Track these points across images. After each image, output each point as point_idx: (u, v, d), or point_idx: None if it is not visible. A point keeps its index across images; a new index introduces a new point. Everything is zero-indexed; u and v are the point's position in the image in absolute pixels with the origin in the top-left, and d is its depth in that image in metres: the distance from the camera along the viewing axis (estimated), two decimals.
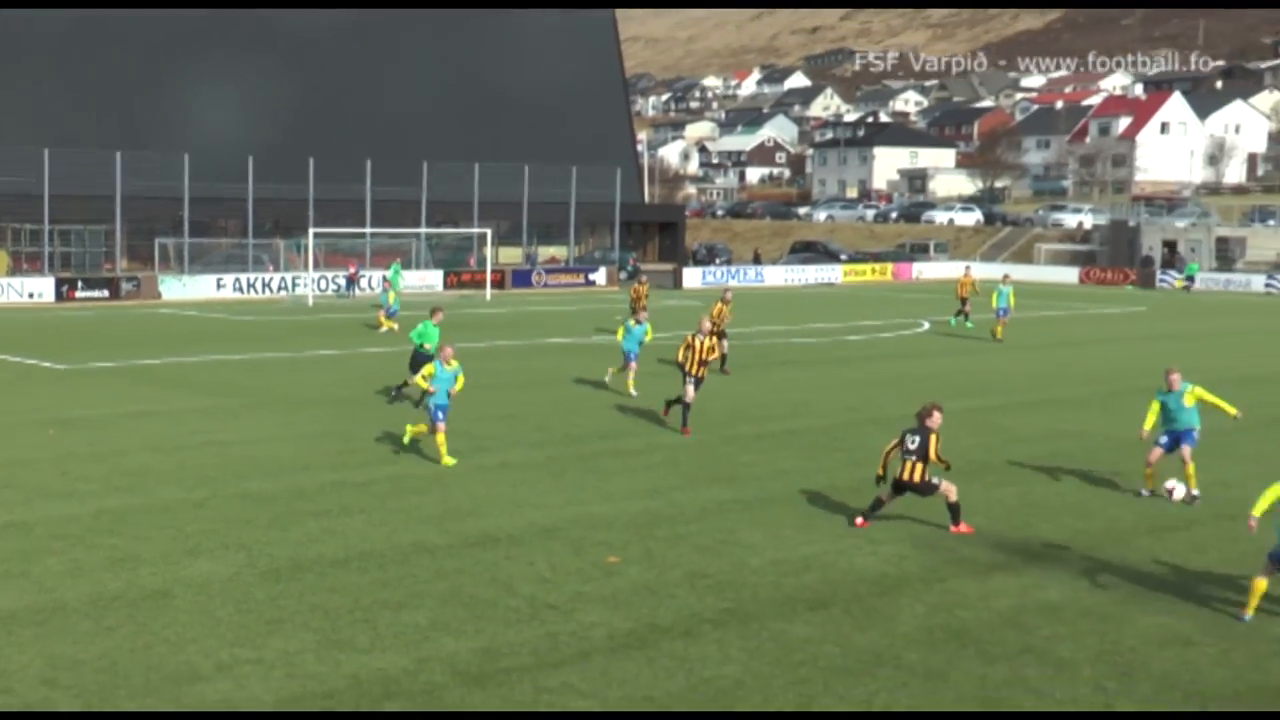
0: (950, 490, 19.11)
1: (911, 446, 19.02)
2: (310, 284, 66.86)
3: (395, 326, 47.67)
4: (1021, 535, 19.00)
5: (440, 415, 23.42)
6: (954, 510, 19.17)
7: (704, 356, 27.28)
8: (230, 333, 49.03)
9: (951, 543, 18.45)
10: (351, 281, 69.24)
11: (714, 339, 27.35)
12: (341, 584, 16.09)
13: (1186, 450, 21.06)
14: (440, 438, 23.41)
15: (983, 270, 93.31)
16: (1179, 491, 19.98)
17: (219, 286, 67.59)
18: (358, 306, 62.00)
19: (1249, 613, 15.45)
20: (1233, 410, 21.94)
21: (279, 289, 69.13)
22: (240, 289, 68.14)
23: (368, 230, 75.48)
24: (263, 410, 29.74)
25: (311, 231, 67.84)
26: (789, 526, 19.22)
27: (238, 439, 25.80)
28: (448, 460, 23.21)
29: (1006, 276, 50.90)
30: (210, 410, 29.55)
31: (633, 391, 31.74)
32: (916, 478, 18.95)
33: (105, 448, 24.60)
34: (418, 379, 24.22)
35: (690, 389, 27.05)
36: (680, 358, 27.61)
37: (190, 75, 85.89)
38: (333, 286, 69.71)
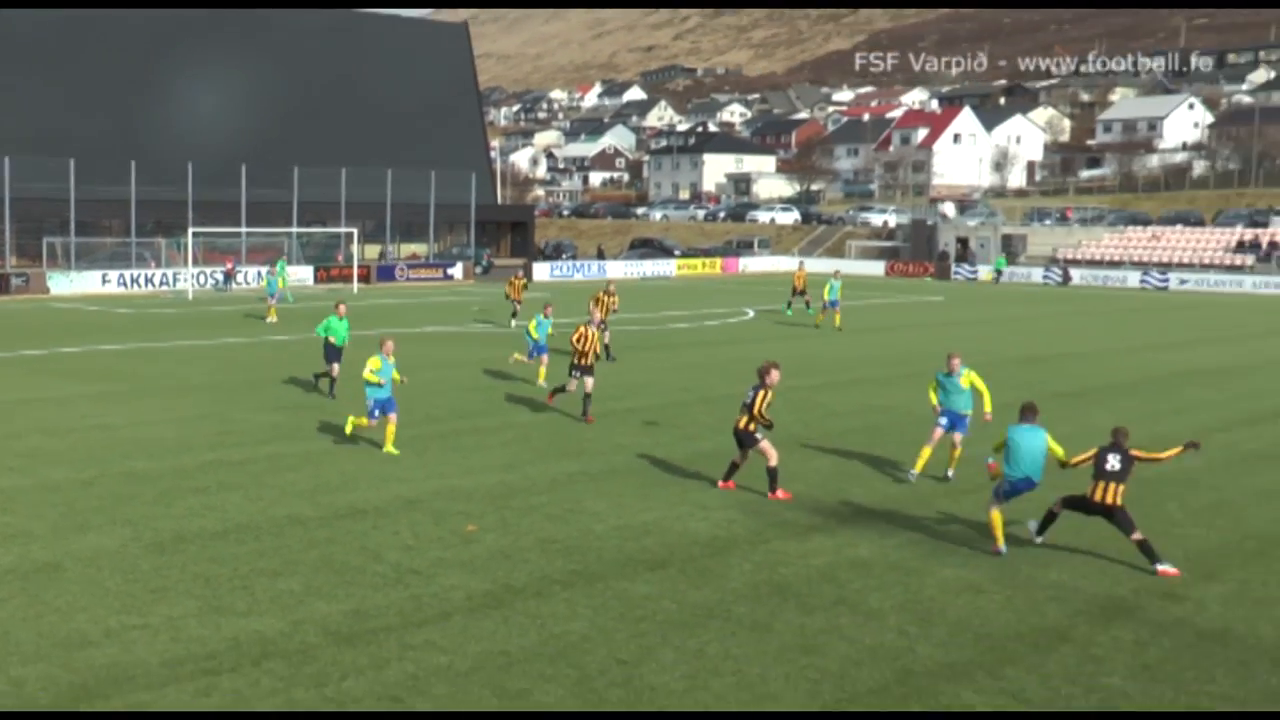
0: (770, 454, 19.23)
1: (746, 400, 19.31)
2: (190, 279, 65.57)
3: (275, 319, 47.34)
4: (836, 500, 19.26)
5: (388, 408, 22.22)
6: (772, 476, 19.26)
7: (594, 347, 26.45)
8: (116, 325, 47.87)
9: (774, 508, 18.64)
10: (229, 277, 68.02)
11: (596, 330, 26.81)
12: (221, 554, 15.82)
13: (958, 436, 21.24)
14: (390, 428, 22.27)
15: (803, 264, 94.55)
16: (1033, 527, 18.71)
17: (104, 282, 65.92)
18: (234, 300, 60.95)
19: (1000, 545, 16.35)
20: (989, 408, 22.05)
21: (161, 284, 67.64)
22: (125, 284, 66.52)
23: (243, 230, 74.24)
24: (147, 396, 29.09)
25: (191, 231, 66.53)
26: (630, 496, 19.28)
27: (124, 422, 25.22)
28: (391, 449, 22.09)
29: (837, 272, 51.46)
30: (98, 396, 28.84)
31: (542, 383, 30.35)
32: (741, 426, 19.17)
33: None
34: (365, 374, 22.34)
35: (589, 379, 26.10)
36: (574, 347, 26.36)
37: (77, 81, 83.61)
38: (211, 281, 68.40)
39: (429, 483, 19.96)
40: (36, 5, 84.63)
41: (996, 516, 16.49)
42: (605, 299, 37.92)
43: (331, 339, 29.12)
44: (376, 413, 22.32)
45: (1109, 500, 15.71)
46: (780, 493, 19.25)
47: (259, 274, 70.48)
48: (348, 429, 22.92)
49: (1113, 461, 15.79)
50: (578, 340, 26.17)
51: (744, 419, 19.22)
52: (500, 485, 19.84)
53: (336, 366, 29.02)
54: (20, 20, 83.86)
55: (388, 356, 22.41)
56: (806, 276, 53.98)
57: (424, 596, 14.29)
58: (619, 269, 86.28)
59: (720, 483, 19.80)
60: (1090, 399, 29.85)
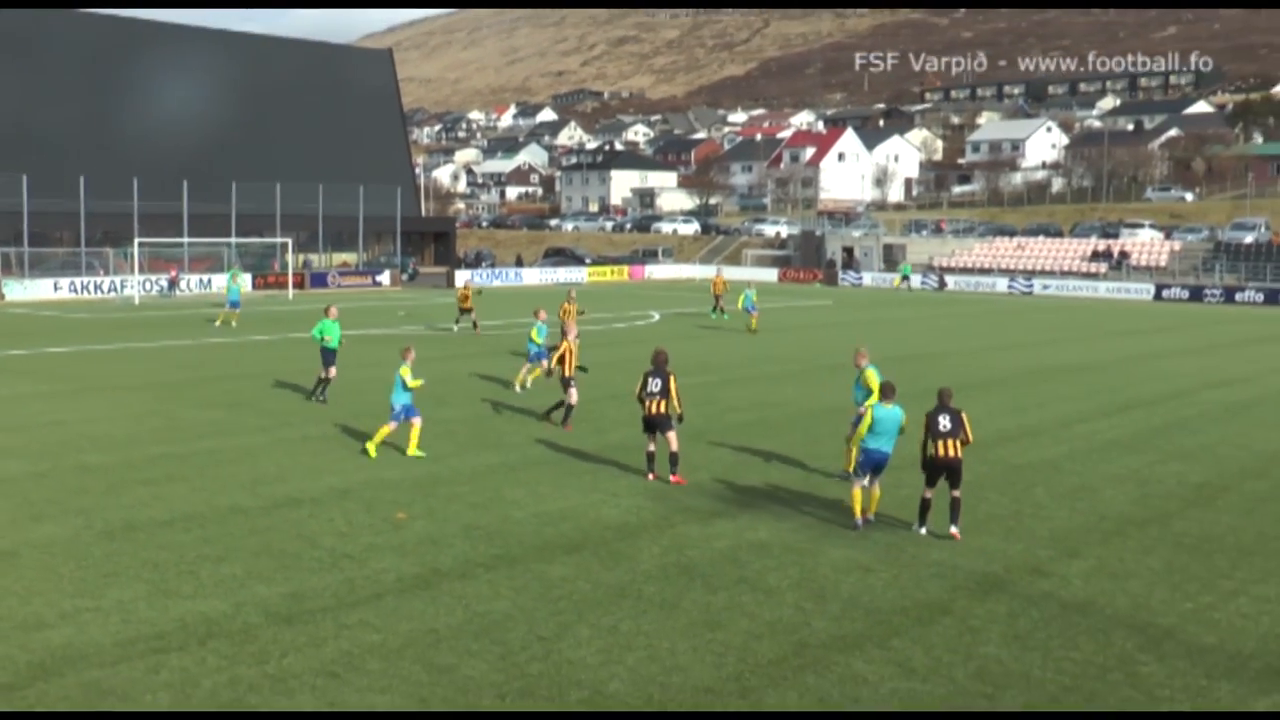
0: (674, 439, 19.31)
1: (654, 388, 19.31)
2: (136, 286, 64.52)
3: (235, 324, 46.93)
4: (736, 487, 19.30)
5: (411, 413, 21.30)
6: (674, 460, 19.30)
7: (574, 360, 25.20)
8: (67, 328, 46.92)
9: (679, 495, 18.65)
10: (172, 284, 67.04)
11: (573, 342, 25.72)
12: (168, 542, 15.53)
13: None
14: (415, 432, 21.27)
15: (702, 271, 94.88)
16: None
17: (56, 289, 64.74)
18: (178, 305, 60.04)
19: (859, 518, 16.79)
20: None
21: (109, 291, 66.45)
22: (75, 291, 65.35)
23: (185, 240, 73.14)
24: (97, 394, 28.53)
25: (136, 241, 65.47)
26: (546, 485, 19.19)
27: (76, 419, 24.71)
28: (417, 452, 21.15)
29: (751, 283, 51.49)
30: (51, 395, 28.24)
31: (521, 389, 29.48)
32: (656, 411, 19.23)
33: None
34: (412, 382, 21.41)
35: (574, 392, 24.93)
36: (556, 363, 25.13)
37: (29, 100, 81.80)
38: (156, 288, 67.34)
39: (360, 474, 19.75)
40: None
41: (858, 494, 16.76)
42: (570, 307, 36.71)
43: (327, 339, 28.02)
44: (402, 417, 21.37)
45: (951, 454, 16.20)
46: (680, 477, 19.29)
47: (200, 281, 69.54)
48: (372, 451, 21.27)
49: (944, 421, 16.28)
50: (559, 357, 25.02)
51: (656, 404, 19.22)
52: (427, 476, 19.67)
53: (333, 370, 28.11)
54: None
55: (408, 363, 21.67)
56: (724, 283, 54.44)
57: (357, 579, 14.13)
58: (534, 276, 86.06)
59: (650, 475, 19.58)
60: (965, 393, 30.10)
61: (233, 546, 15.39)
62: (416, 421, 21.41)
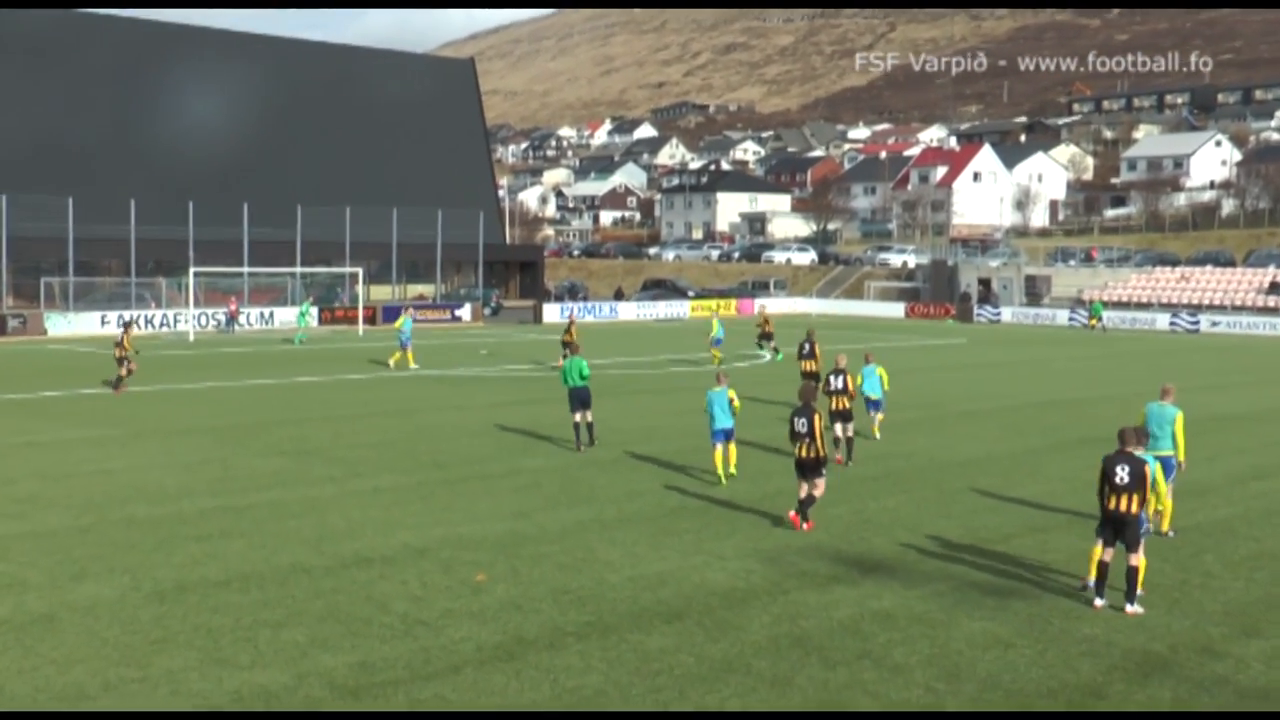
0: (821, 486, 20.04)
1: (801, 428, 19.84)
2: (191, 320, 65.74)
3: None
4: (858, 549, 19.11)
5: (731, 435, 24.19)
6: (809, 503, 20.00)
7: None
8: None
9: (794, 557, 18.50)
10: (231, 318, 68.17)
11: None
12: (223, 604, 15.71)
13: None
14: (732, 454, 24.48)
15: (820, 305, 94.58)
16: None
17: (103, 323, 66.10)
18: (237, 341, 61.06)
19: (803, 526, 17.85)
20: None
21: (161, 325, 67.79)
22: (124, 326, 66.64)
23: (245, 270, 74.42)
24: (147, 440, 29.06)
25: (192, 270, 66.78)
26: (644, 544, 19.15)
27: (123, 467, 25.18)
28: (732, 471, 24.38)
29: (718, 308, 49.49)
30: (96, 440, 28.82)
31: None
32: (806, 454, 19.80)
33: None
34: (738, 404, 24.44)
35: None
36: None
37: (77, 122, 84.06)
38: (213, 323, 68.56)
39: (436, 530, 19.86)
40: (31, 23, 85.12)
41: (1097, 552, 16.18)
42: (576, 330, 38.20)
43: (577, 379, 28.25)
44: (722, 439, 24.02)
45: (1126, 509, 15.92)
46: (809, 524, 19.95)
47: (263, 315, 70.64)
48: (724, 478, 24.05)
49: (1121, 473, 15.98)
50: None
51: (806, 446, 19.83)
52: (510, 533, 19.73)
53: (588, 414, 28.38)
54: (17, 50, 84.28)
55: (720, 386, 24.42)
56: (768, 319, 55.30)
57: (432, 649, 14.17)
58: (630, 310, 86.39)
59: (803, 524, 20.14)
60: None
61: (295, 610, 15.52)
62: (731, 446, 24.40)
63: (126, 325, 42.35)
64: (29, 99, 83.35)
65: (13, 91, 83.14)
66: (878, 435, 30.05)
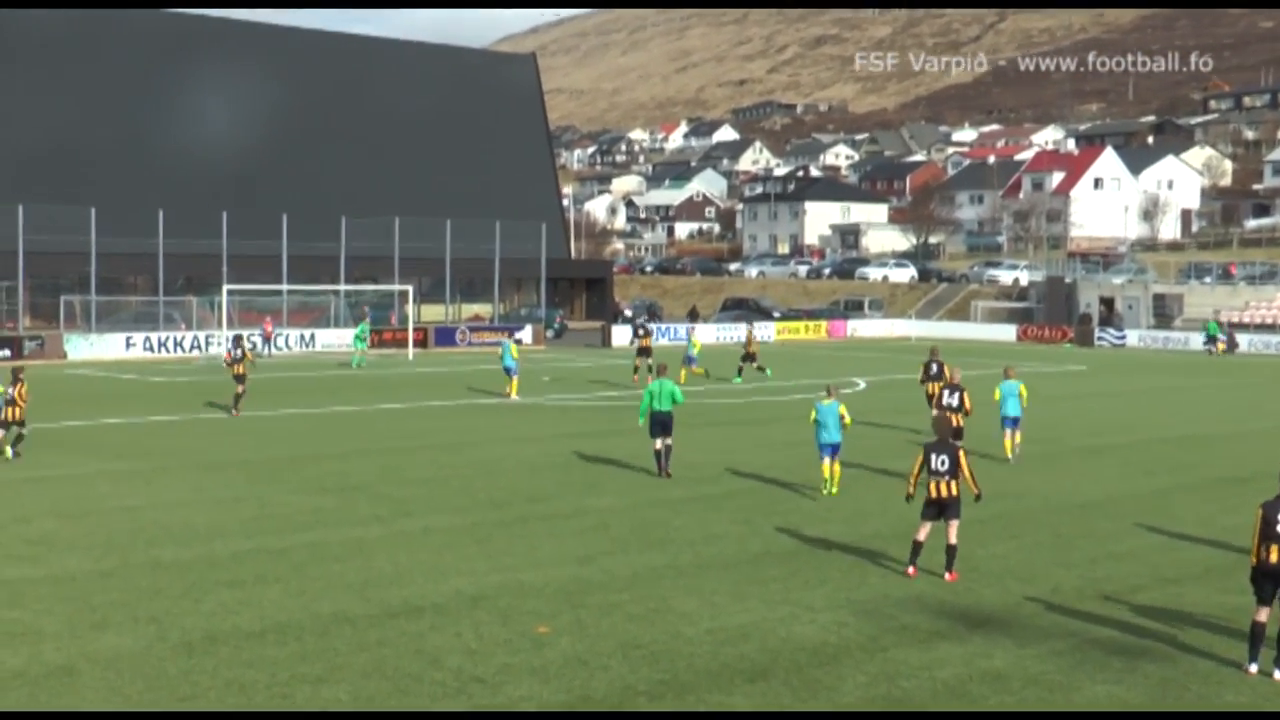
0: (955, 530, 19.93)
1: (941, 466, 19.75)
2: (225, 343, 66.28)
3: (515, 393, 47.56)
4: (964, 601, 18.94)
5: (838, 451, 26.85)
6: (951, 554, 19.97)
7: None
8: (140, 394, 48.50)
9: (893, 609, 18.36)
10: (267, 340, 68.73)
11: None
12: (258, 657, 15.79)
13: None
14: (837, 470, 27.04)
15: (920, 328, 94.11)
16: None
17: (128, 346, 66.85)
18: (274, 366, 61.58)
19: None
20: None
21: (191, 348, 68.47)
22: (151, 348, 67.44)
23: (284, 287, 75.06)
24: (174, 474, 29.34)
25: (225, 288, 67.39)
26: (724, 594, 19.08)
27: (148, 504, 25.43)
28: (834, 490, 26.79)
29: (694, 328, 50.31)
30: (119, 474, 29.13)
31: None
32: (946, 493, 19.73)
33: (5, 514, 24.17)
34: (849, 420, 27.20)
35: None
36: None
37: (97, 125, 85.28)
38: (248, 346, 69.08)
39: (493, 576, 19.89)
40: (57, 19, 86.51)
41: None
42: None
43: (667, 404, 29.51)
44: (830, 454, 26.60)
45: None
46: (955, 574, 19.95)
47: (303, 338, 71.15)
48: (833, 489, 26.92)
49: None
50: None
51: (945, 485, 19.70)
52: (575, 580, 19.72)
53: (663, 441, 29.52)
54: (39, 50, 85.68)
55: (827, 399, 26.91)
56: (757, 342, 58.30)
57: (490, 709, 14.17)
58: (709, 332, 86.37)
59: (910, 569, 20.23)
60: (1252, 486, 29.24)
61: (336, 665, 15.58)
62: (838, 464, 26.89)
63: (238, 340, 44.04)
64: (43, 103, 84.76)
65: (26, 96, 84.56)
66: (1011, 457, 30.93)
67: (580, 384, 53.94)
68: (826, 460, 27.09)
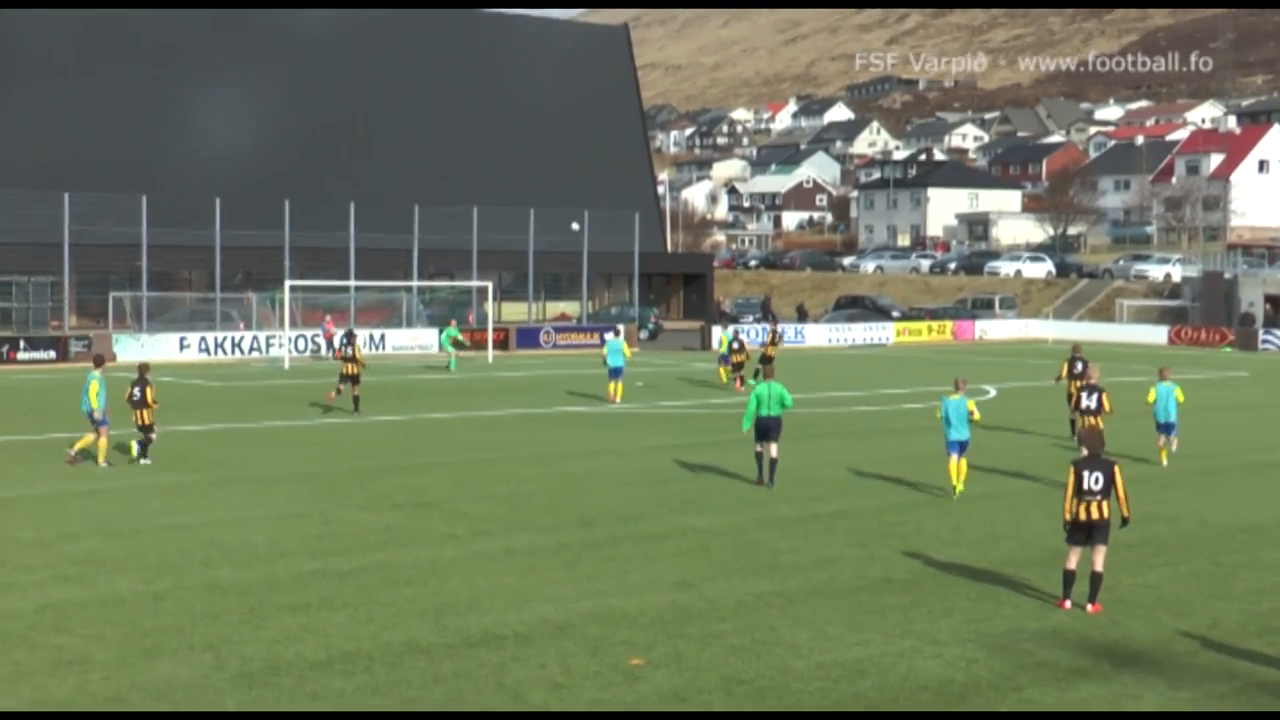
0: (1102, 557, 19.78)
1: (1094, 485, 19.59)
2: (287, 344, 66.71)
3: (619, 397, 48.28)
4: (1109, 635, 18.77)
5: (967, 448, 28.53)
6: (1096, 582, 19.74)
7: None
8: (195, 400, 48.99)
9: (1028, 644, 18.22)
10: (330, 342, 68.91)
11: None
12: (323, 689, 15.92)
13: None
14: (953, 466, 28.61)
15: (1058, 329, 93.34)
16: None
17: (182, 347, 67.46)
18: (335, 371, 61.94)
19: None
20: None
21: (251, 350, 69.05)
22: (207, 349, 68.09)
23: (352, 283, 75.48)
24: (233, 488, 29.65)
25: (288, 284, 67.80)
26: (838, 624, 19.01)
27: (204, 521, 25.69)
28: (957, 483, 28.61)
29: (1164, 372, 44.53)
30: (172, 488, 29.47)
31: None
32: (1098, 514, 19.57)
33: (50, 531, 24.51)
34: (977, 416, 28.82)
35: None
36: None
37: (150, 108, 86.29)
38: (311, 346, 69.59)
39: (582, 603, 19.93)
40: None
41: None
42: None
43: (775, 408, 30.22)
44: (955, 452, 28.16)
45: None
46: (1098, 605, 19.74)
47: (371, 339, 71.49)
48: (957, 491, 28.59)
49: None
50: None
51: (1097, 506, 19.55)
52: (672, 608, 19.72)
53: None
54: (73, 31, 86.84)
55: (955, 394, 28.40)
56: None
57: None
58: (820, 334, 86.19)
59: (1062, 601, 19.99)
60: None
61: (409, 698, 15.67)
62: (964, 461, 28.35)
63: (351, 336, 45.60)
64: (90, 86, 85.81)
65: (71, 78, 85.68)
66: (1165, 462, 31.14)
67: (677, 390, 53.96)
68: (954, 458, 28.46)
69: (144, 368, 33.71)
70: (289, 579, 21.17)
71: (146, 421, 32.74)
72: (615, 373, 48.14)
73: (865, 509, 27.73)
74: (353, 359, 43.66)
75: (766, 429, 29.70)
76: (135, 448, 32.81)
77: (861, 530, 25.52)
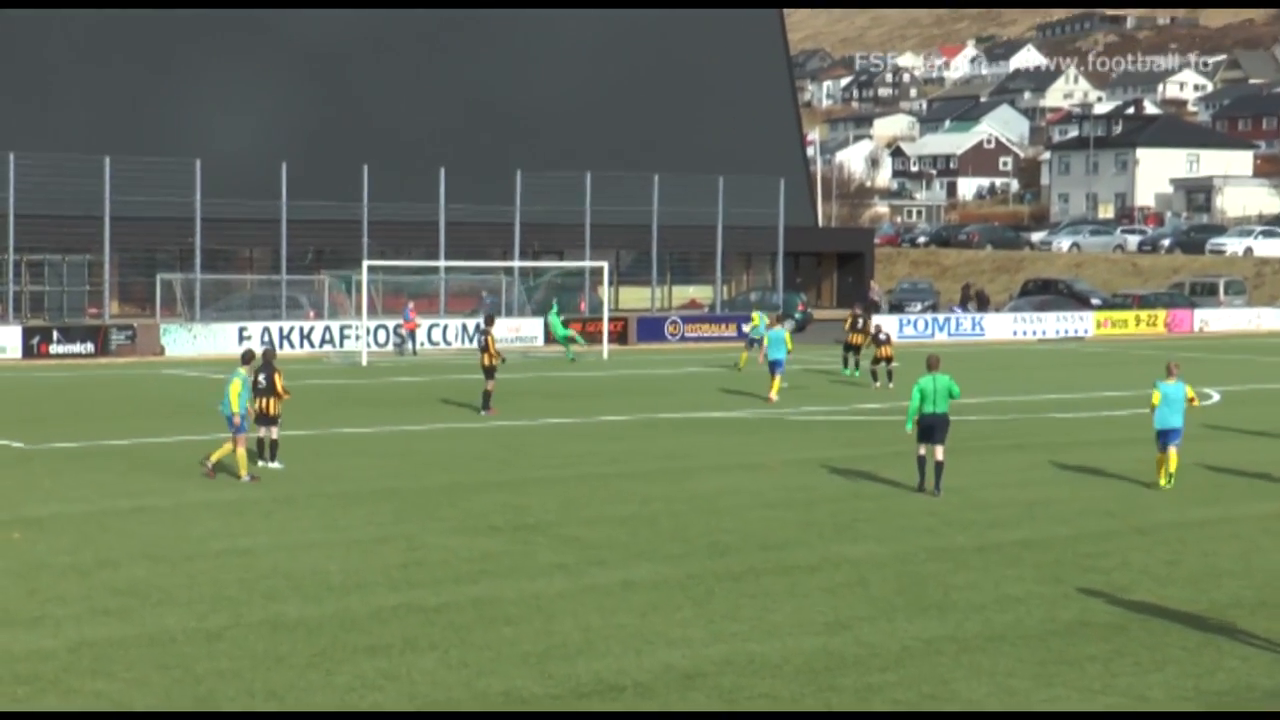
0: None
1: None
2: (365, 336, 66.64)
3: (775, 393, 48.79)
4: None
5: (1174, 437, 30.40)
6: None
7: None
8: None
9: (1259, 701, 18.01)
10: (411, 333, 68.93)
11: None
12: None
13: None
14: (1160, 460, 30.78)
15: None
16: None
17: (242, 338, 67.35)
18: (422, 368, 62.17)
19: None
20: None
21: (323, 342, 69.36)
22: (270, 342, 68.11)
23: (441, 263, 75.57)
24: (300, 506, 29.88)
25: (365, 264, 67.89)
26: (1023, 676, 18.92)
27: (267, 545, 25.92)
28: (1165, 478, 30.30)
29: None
30: (230, 506, 29.74)
31: None
32: None
33: (88, 557, 24.81)
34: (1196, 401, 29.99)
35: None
36: None
37: (204, 63, 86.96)
38: (394, 339, 69.79)
39: (714, 647, 19.93)
40: None
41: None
42: None
43: (941, 404, 30.77)
44: (1173, 444, 30.20)
45: None
46: None
47: (465, 330, 71.46)
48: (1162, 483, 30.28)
49: None
50: None
51: None
52: (823, 654, 19.70)
53: None
54: None
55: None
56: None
57: None
58: (1004, 326, 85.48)
59: None
60: None
61: None
62: (1174, 450, 30.21)
63: (489, 324, 47.07)
64: (134, 37, 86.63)
65: (114, 26, 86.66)
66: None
67: (829, 392, 53.74)
68: (1173, 448, 29.88)
69: (269, 354, 34.35)
70: (366, 616, 21.30)
71: (273, 412, 33.31)
72: (776, 366, 48.37)
73: (1057, 537, 27.50)
74: (486, 349, 44.88)
75: (932, 428, 30.08)
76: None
77: (1053, 563, 25.32)
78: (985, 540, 27.08)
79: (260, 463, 33.35)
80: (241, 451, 32.45)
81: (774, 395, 48.14)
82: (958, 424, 31.86)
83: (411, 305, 71.34)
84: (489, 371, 44.69)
